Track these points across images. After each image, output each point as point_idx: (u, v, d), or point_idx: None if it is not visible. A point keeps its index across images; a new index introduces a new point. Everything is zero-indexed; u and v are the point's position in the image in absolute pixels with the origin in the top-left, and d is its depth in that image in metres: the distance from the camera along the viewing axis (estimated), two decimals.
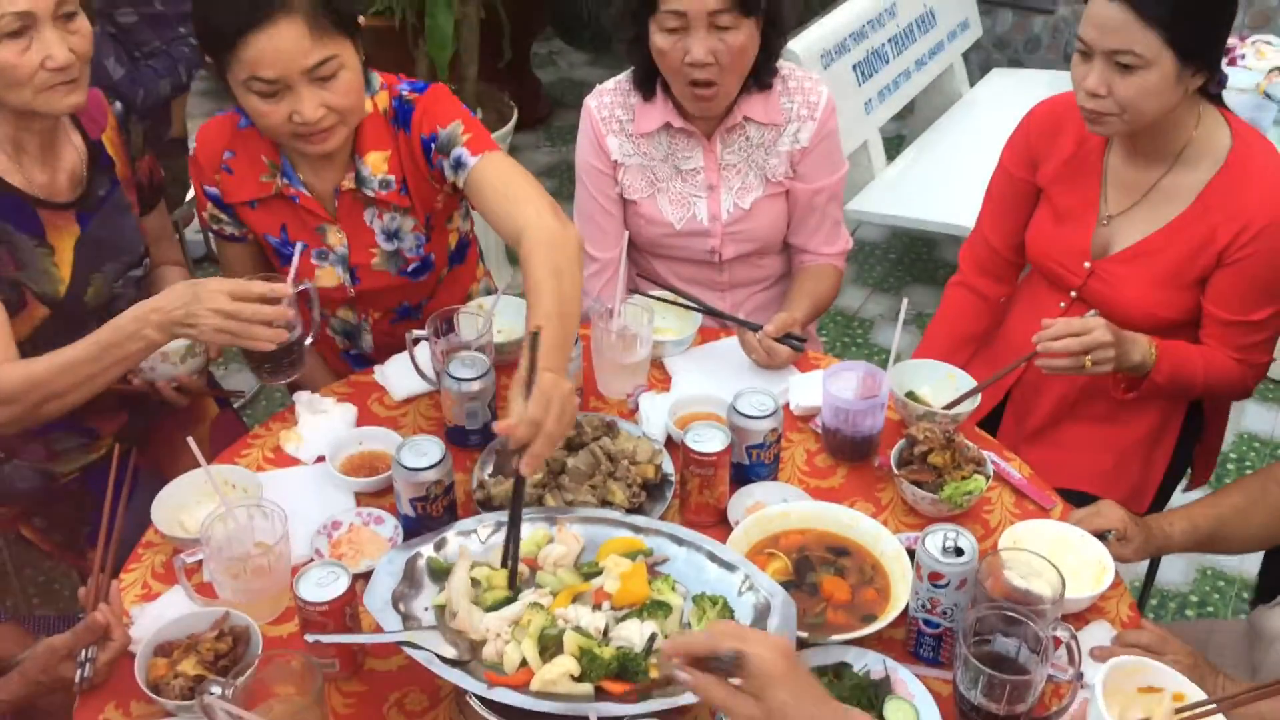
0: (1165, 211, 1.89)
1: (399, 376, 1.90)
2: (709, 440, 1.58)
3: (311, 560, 1.51)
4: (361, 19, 1.78)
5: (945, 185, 3.40)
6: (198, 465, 1.57)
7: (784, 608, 1.34)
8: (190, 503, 1.63)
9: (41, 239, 1.78)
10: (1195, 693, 1.28)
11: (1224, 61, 3.10)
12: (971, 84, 4.11)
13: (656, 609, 1.33)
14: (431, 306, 2.02)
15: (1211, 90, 1.84)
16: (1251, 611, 1.71)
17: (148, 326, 1.61)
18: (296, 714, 1.27)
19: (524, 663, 1.28)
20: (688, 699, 1.21)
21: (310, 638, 1.36)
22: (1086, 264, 1.97)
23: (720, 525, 1.61)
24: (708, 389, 1.85)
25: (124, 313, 1.63)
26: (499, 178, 1.80)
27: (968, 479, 1.62)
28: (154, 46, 2.74)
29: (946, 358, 1.96)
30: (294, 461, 1.77)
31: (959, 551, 1.38)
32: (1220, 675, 1.44)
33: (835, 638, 1.40)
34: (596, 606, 1.35)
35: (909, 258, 4.00)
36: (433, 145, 1.84)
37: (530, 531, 1.47)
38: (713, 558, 1.43)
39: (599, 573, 1.41)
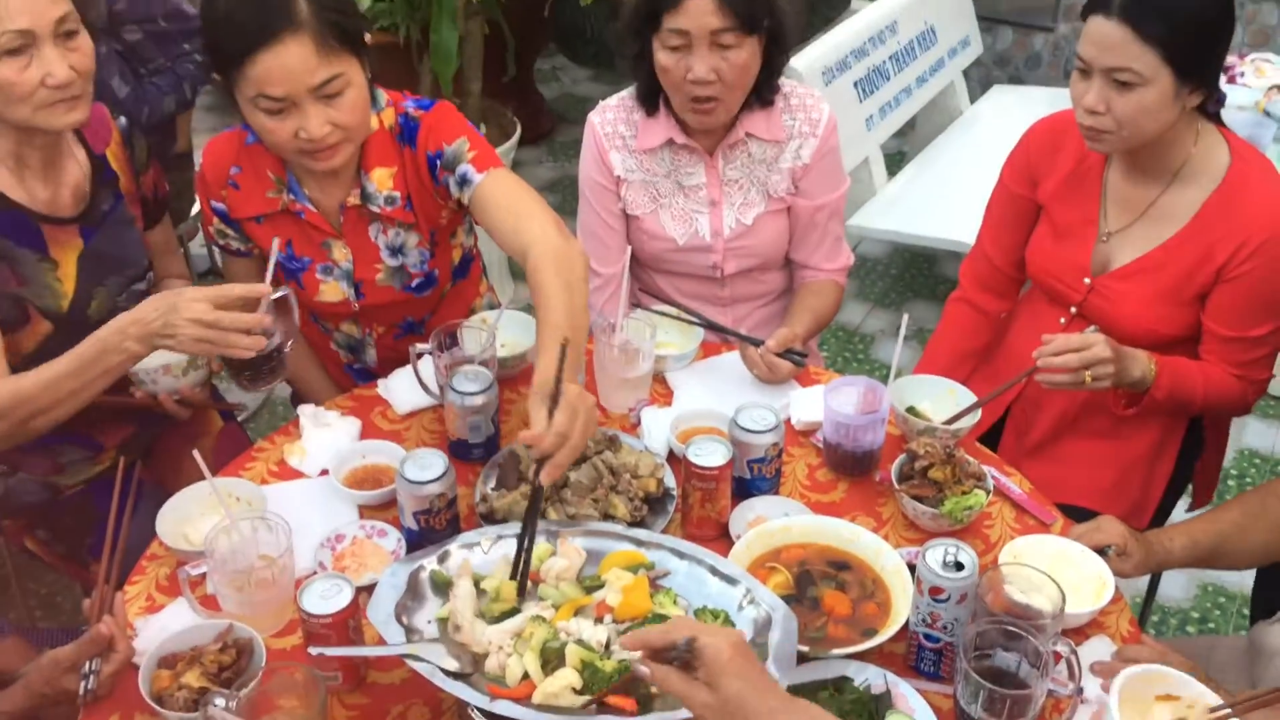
0: (1164, 228, 1.90)
1: (403, 390, 1.91)
2: (711, 454, 1.59)
3: (315, 573, 1.52)
4: (368, 36, 1.79)
5: (946, 201, 3.42)
6: (202, 478, 1.58)
7: (785, 622, 1.34)
8: (195, 515, 1.64)
9: (44, 254, 1.79)
10: (1214, 700, 1.28)
11: (1223, 79, 3.13)
12: (972, 101, 4.13)
13: (658, 622, 1.34)
14: (435, 321, 2.03)
15: (1210, 109, 1.86)
16: (1251, 627, 1.71)
17: (127, 339, 1.62)
18: None
19: (526, 676, 1.29)
20: (684, 714, 1.21)
21: (313, 650, 1.36)
22: (1086, 280, 1.98)
23: (722, 539, 1.61)
24: (709, 403, 1.85)
25: (104, 325, 1.64)
26: (505, 194, 1.82)
27: (968, 494, 1.63)
28: (159, 63, 2.75)
29: (947, 373, 1.97)
30: (298, 474, 1.77)
31: (959, 566, 1.39)
32: (1222, 691, 1.45)
33: (836, 652, 1.41)
34: (599, 620, 1.36)
35: (910, 273, 4.02)
36: (438, 162, 1.85)
37: None
38: (714, 571, 1.43)
39: (601, 586, 1.41)
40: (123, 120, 1.93)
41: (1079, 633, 1.49)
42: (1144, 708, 1.30)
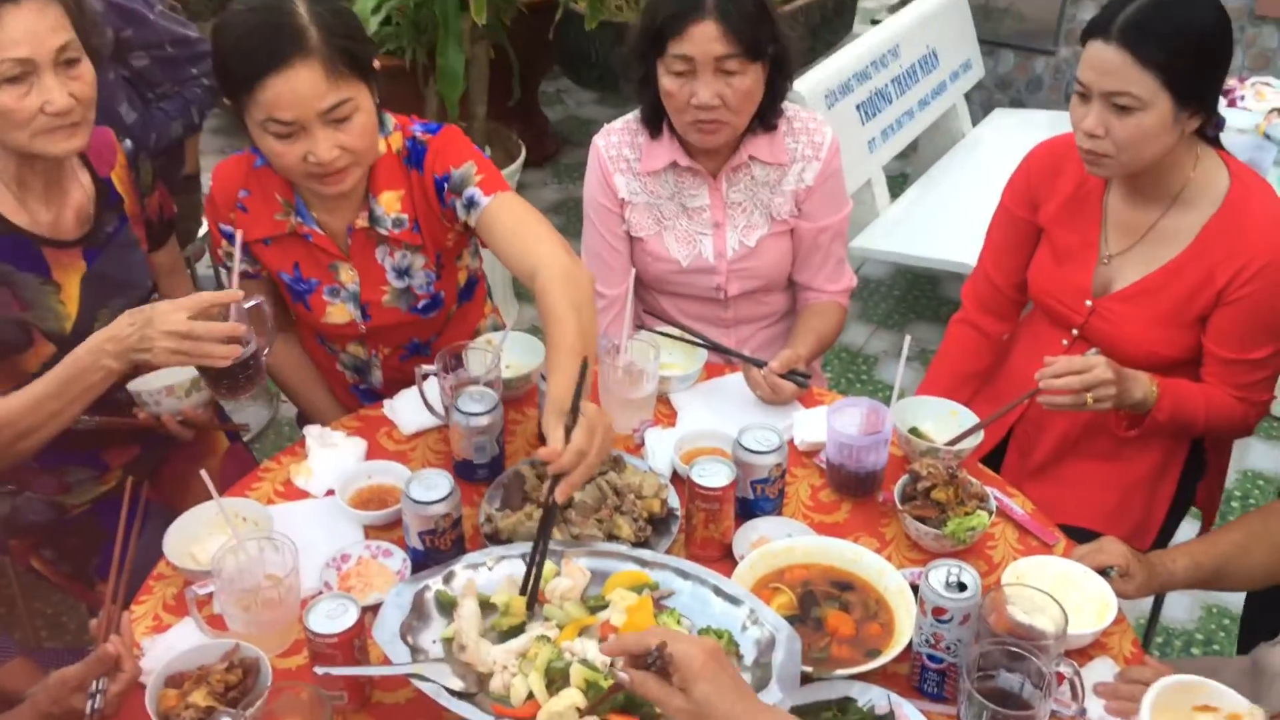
0: (1164, 251, 1.91)
1: (408, 411, 1.92)
2: (714, 475, 1.60)
3: (321, 593, 1.53)
4: (376, 62, 1.81)
5: (948, 223, 3.43)
6: (208, 498, 1.58)
7: (789, 642, 1.35)
8: (201, 535, 1.64)
9: (46, 277, 1.80)
10: (1256, 710, 1.28)
11: (1223, 103, 3.14)
12: (974, 123, 4.16)
13: None
14: (441, 343, 2.04)
15: (1209, 133, 1.87)
16: (1249, 649, 1.71)
17: (104, 356, 1.62)
18: None
19: (530, 695, 1.29)
20: None
21: (319, 670, 1.37)
22: (1088, 302, 1.99)
23: (725, 559, 1.62)
24: (713, 424, 1.86)
25: (81, 344, 1.64)
26: (512, 217, 1.83)
27: (971, 515, 1.63)
28: (166, 89, 2.78)
29: (949, 394, 1.97)
30: (304, 495, 1.78)
31: (962, 587, 1.39)
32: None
33: (839, 672, 1.41)
34: (603, 639, 1.36)
35: (912, 295, 4.03)
36: (445, 185, 1.87)
37: None
38: (718, 592, 1.44)
39: (605, 606, 1.42)
40: (128, 143, 1.94)
41: (1082, 654, 1.49)
42: (1182, 717, 1.30)
